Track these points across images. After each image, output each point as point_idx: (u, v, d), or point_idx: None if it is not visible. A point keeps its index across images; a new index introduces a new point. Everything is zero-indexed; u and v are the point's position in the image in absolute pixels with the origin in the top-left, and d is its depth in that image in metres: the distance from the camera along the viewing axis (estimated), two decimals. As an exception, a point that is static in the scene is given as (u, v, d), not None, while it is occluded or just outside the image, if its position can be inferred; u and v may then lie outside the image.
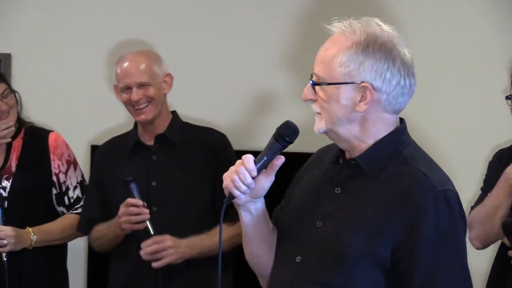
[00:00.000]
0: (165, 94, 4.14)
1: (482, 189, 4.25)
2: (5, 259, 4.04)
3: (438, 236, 2.49)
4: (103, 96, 5.35)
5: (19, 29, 5.49)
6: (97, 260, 5.09)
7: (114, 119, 5.35)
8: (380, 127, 2.63)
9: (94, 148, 5.16)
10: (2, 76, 4.34)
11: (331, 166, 2.71)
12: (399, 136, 2.65)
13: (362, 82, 2.57)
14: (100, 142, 4.99)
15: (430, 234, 2.48)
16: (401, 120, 2.70)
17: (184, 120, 4.27)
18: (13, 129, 4.28)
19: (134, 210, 3.83)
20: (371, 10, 5.15)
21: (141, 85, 4.04)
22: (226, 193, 2.65)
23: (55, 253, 4.33)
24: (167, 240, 3.84)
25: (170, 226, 3.96)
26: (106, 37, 5.47)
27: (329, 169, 2.71)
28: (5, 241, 4.02)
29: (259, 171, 2.63)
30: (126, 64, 4.10)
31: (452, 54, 5.27)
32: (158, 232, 3.84)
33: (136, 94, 4.02)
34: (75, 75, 5.46)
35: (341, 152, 2.68)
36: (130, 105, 4.06)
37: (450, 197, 2.53)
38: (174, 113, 4.22)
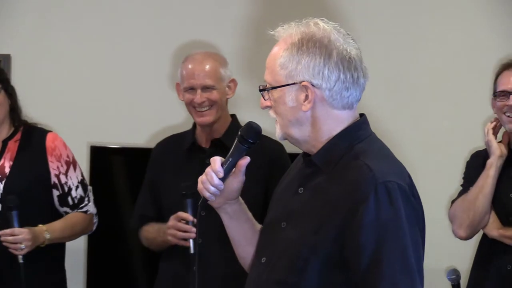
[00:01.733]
0: (227, 99, 4.14)
1: (462, 185, 4.33)
2: (21, 261, 4.05)
3: (378, 223, 2.49)
4: (102, 97, 5.39)
5: (19, 31, 5.49)
6: (96, 261, 5.20)
7: (113, 120, 5.38)
8: (331, 125, 2.63)
9: (93, 148, 5.24)
10: None
11: (302, 167, 2.74)
12: (355, 132, 2.65)
13: (302, 81, 2.57)
14: (99, 142, 5.25)
15: (370, 223, 2.49)
16: (362, 115, 2.71)
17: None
18: None
19: (182, 227, 3.86)
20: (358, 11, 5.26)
21: (205, 88, 4.03)
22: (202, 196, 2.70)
23: (53, 251, 4.27)
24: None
25: (217, 230, 3.83)
26: (104, 38, 5.47)
27: (300, 169, 2.74)
28: (22, 245, 4.03)
29: (226, 172, 2.65)
30: (193, 65, 4.10)
31: (451, 57, 5.25)
32: (206, 236, 3.75)
33: (200, 97, 4.02)
34: (74, 75, 5.45)
35: (306, 153, 2.70)
36: (192, 106, 4.05)
37: (392, 187, 2.52)
38: (233, 117, 4.23)
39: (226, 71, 4.11)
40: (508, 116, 4.20)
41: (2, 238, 4.06)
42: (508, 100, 4.18)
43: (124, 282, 5.20)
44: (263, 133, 4.14)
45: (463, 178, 4.42)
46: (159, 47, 5.41)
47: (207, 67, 4.06)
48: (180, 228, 3.86)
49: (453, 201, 4.37)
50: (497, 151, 4.18)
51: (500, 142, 4.29)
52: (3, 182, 4.15)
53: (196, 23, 5.44)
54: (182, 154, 4.14)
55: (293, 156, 3.07)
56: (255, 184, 3.83)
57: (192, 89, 4.02)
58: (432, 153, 5.30)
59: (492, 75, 4.42)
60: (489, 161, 4.21)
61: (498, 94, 4.22)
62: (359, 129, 2.68)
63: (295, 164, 2.87)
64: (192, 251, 3.82)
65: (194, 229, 3.82)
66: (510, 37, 5.28)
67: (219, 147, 4.03)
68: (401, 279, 2.51)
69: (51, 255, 4.27)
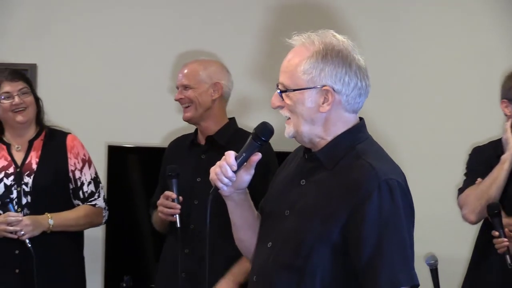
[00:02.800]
0: (214, 101, 4.19)
1: (465, 174, 4.42)
2: (29, 245, 4.10)
3: (381, 218, 2.57)
4: (119, 100, 5.54)
5: (44, 42, 5.62)
6: (113, 248, 5.34)
7: (129, 121, 5.51)
8: (339, 126, 2.71)
9: (110, 148, 5.37)
10: (23, 76, 4.45)
11: (301, 161, 2.81)
12: (356, 133, 2.73)
13: (324, 86, 2.65)
14: (115, 142, 5.41)
15: (373, 216, 2.57)
16: (361, 119, 2.79)
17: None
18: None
19: (168, 204, 3.95)
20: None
21: (184, 87, 4.16)
22: (213, 185, 2.77)
23: (71, 242, 4.42)
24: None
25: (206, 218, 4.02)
26: (121, 48, 5.57)
27: (299, 163, 2.81)
28: (22, 231, 4.11)
29: (239, 166, 2.73)
30: (181, 69, 4.25)
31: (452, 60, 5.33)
32: (197, 224, 3.97)
33: (178, 94, 4.17)
34: (93, 82, 5.59)
35: (308, 148, 2.78)
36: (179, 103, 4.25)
37: (393, 185, 2.60)
38: (231, 119, 4.30)
39: (212, 74, 4.19)
40: None
41: (11, 228, 4.13)
42: None
43: (137, 268, 5.21)
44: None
45: (467, 169, 4.49)
46: (173, 55, 5.47)
47: (187, 69, 4.19)
48: (166, 205, 3.94)
49: (460, 189, 4.45)
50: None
51: None
52: (31, 176, 4.27)
53: (213, 32, 5.53)
54: (185, 150, 4.26)
55: (282, 154, 3.17)
56: None
57: (178, 88, 4.20)
58: (416, 154, 5.26)
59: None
60: (504, 156, 4.27)
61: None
62: (360, 131, 2.76)
63: (291, 159, 2.94)
64: (178, 225, 3.91)
65: (178, 206, 3.89)
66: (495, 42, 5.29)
67: (213, 143, 4.15)
68: (400, 269, 2.59)
69: (70, 244, 4.39)
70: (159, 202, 4.00)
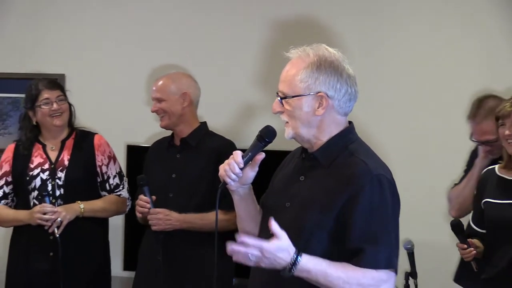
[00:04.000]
0: (184, 108, 4.28)
1: (464, 171, 4.52)
2: (57, 235, 4.22)
3: (370, 207, 2.65)
4: (136, 106, 5.70)
5: (70, 55, 5.83)
6: (131, 234, 5.45)
7: (145, 124, 5.56)
8: (332, 127, 2.78)
9: (129, 147, 5.55)
10: (60, 85, 4.54)
11: (299, 160, 2.88)
12: (347, 135, 2.81)
13: (319, 92, 2.72)
14: (133, 142, 5.58)
15: (364, 206, 2.64)
16: (350, 122, 2.86)
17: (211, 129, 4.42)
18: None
19: (142, 204, 4.14)
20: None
21: (157, 100, 4.29)
22: (222, 180, 2.82)
23: (99, 228, 4.52)
24: (160, 213, 4.11)
25: (180, 209, 4.15)
26: (138, 63, 5.74)
27: (297, 163, 2.88)
28: (59, 219, 4.23)
29: (245, 163, 2.78)
30: (154, 83, 4.37)
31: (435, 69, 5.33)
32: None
33: (153, 106, 4.31)
34: (115, 90, 5.78)
35: (305, 149, 2.85)
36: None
37: (382, 180, 2.68)
38: (202, 123, 4.38)
39: (179, 86, 4.29)
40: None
41: (47, 217, 4.22)
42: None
43: None
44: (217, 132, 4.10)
45: (466, 165, 4.58)
46: (184, 67, 5.39)
47: (159, 84, 4.31)
48: (140, 205, 4.14)
49: (455, 185, 4.54)
50: (482, 154, 4.33)
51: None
52: (64, 172, 4.38)
53: (217, 46, 5.63)
54: (163, 150, 4.39)
55: (282, 153, 3.16)
56: (207, 172, 4.09)
57: (153, 100, 4.32)
58: (398, 153, 5.22)
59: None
60: (476, 161, 4.37)
61: (475, 141, 4.32)
62: (350, 133, 2.83)
63: (288, 160, 3.00)
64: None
65: (149, 205, 4.08)
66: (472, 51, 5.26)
67: (186, 145, 4.27)
68: (381, 251, 2.65)
69: (97, 230, 4.51)
70: (136, 202, 4.18)
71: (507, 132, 3.89)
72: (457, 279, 4.52)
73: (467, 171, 4.52)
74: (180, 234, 4.10)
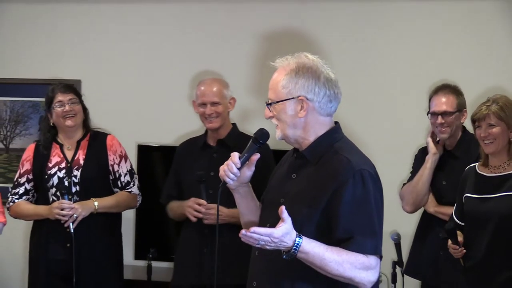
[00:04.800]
0: (228, 112, 4.38)
1: (411, 172, 4.60)
2: (72, 230, 4.30)
3: (354, 200, 2.69)
4: (147, 109, 5.80)
5: (86, 62, 5.90)
6: (142, 227, 5.65)
7: (154, 126, 5.75)
8: (318, 128, 2.82)
9: (139, 147, 5.64)
10: (74, 89, 4.57)
11: (292, 159, 2.92)
12: (333, 134, 2.85)
13: (299, 96, 2.77)
14: (144, 141, 5.68)
15: (348, 199, 2.69)
16: (336, 123, 2.89)
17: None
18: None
19: (197, 208, 4.16)
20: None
21: (213, 103, 4.30)
22: (222, 180, 2.88)
23: (112, 221, 4.57)
24: (213, 208, 4.09)
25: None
26: (150, 69, 5.82)
27: (291, 162, 2.92)
28: (75, 215, 4.31)
29: (242, 164, 2.84)
30: (204, 87, 4.36)
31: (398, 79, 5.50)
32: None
33: (209, 110, 4.29)
34: (125, 94, 5.85)
35: (296, 149, 2.90)
36: (204, 116, 4.32)
37: (365, 174, 2.72)
38: (234, 125, 4.45)
39: (228, 92, 4.37)
40: (439, 130, 4.40)
41: (65, 212, 4.29)
42: (437, 119, 4.39)
43: (161, 242, 5.42)
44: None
45: (412, 167, 4.62)
46: (187, 75, 5.70)
47: (214, 88, 4.34)
48: (195, 209, 4.18)
49: (404, 184, 4.58)
50: (432, 150, 4.41)
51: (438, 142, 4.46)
52: (79, 170, 4.42)
53: (216, 56, 5.74)
54: (197, 150, 4.41)
55: (279, 152, 3.28)
56: None
57: (204, 104, 4.31)
58: (382, 149, 5.33)
59: (425, 96, 4.65)
60: (427, 157, 4.44)
61: (431, 113, 4.41)
62: (336, 132, 2.86)
63: (284, 160, 3.02)
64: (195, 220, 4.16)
65: (203, 210, 4.10)
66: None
67: (222, 145, 4.33)
68: (368, 239, 2.70)
69: (111, 223, 4.56)
70: (190, 204, 4.19)
71: (482, 134, 3.96)
72: (407, 272, 4.63)
73: (413, 172, 4.57)
74: (225, 227, 4.00)
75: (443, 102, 4.41)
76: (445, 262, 4.35)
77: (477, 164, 4.11)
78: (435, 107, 4.42)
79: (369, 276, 2.71)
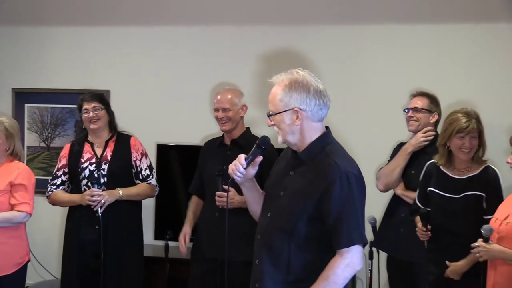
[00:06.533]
0: (241, 117, 4.61)
1: (388, 161, 4.88)
2: (100, 214, 4.57)
3: (341, 197, 2.87)
4: (167, 112, 6.01)
5: (114, 74, 6.14)
6: (160, 213, 5.87)
7: (173, 126, 5.95)
8: (311, 133, 2.98)
9: (159, 146, 5.83)
10: (99, 97, 4.81)
11: (289, 159, 3.09)
12: (324, 139, 3.02)
13: (294, 107, 2.93)
14: (163, 141, 5.88)
15: (336, 196, 2.87)
16: (327, 127, 3.05)
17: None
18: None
19: (222, 194, 4.33)
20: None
21: (224, 109, 4.57)
22: (230, 177, 3.07)
23: (134, 208, 4.85)
24: (225, 195, 4.25)
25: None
26: (171, 79, 5.99)
27: (289, 161, 3.09)
28: (103, 201, 4.60)
29: (247, 164, 3.04)
30: (219, 96, 4.62)
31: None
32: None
33: (220, 114, 4.56)
34: (148, 100, 6.02)
35: (294, 150, 3.06)
36: (218, 119, 4.60)
37: (350, 176, 2.89)
38: (247, 128, 4.67)
39: (240, 99, 4.62)
40: (408, 123, 4.70)
41: (94, 198, 4.54)
42: (408, 113, 4.68)
43: (176, 225, 5.23)
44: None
45: (390, 157, 4.88)
46: (205, 85, 5.93)
47: (226, 96, 4.61)
48: (220, 195, 4.37)
49: (381, 168, 4.84)
50: (412, 141, 4.61)
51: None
52: (107, 164, 4.73)
53: (228, 71, 5.93)
54: (215, 148, 4.67)
55: (280, 150, 3.34)
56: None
57: (217, 110, 4.61)
58: (365, 150, 5.51)
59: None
60: (405, 146, 4.65)
61: (405, 109, 4.72)
62: (327, 137, 3.03)
63: (282, 157, 3.19)
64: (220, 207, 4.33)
65: (225, 194, 4.22)
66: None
67: (236, 144, 4.59)
68: (354, 231, 2.90)
69: (133, 209, 4.85)
70: (217, 193, 4.37)
71: (467, 144, 4.15)
72: (375, 245, 4.88)
73: (389, 160, 4.81)
74: (234, 211, 4.14)
75: (416, 100, 4.68)
76: (405, 238, 4.60)
77: (434, 161, 4.33)
78: (409, 105, 4.71)
79: (349, 270, 2.91)
